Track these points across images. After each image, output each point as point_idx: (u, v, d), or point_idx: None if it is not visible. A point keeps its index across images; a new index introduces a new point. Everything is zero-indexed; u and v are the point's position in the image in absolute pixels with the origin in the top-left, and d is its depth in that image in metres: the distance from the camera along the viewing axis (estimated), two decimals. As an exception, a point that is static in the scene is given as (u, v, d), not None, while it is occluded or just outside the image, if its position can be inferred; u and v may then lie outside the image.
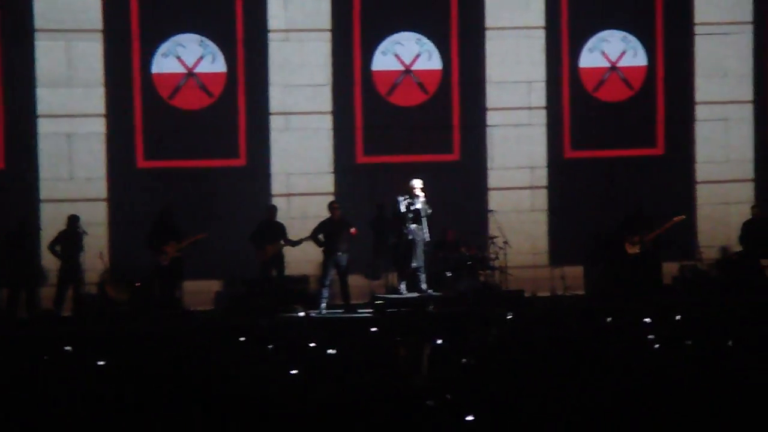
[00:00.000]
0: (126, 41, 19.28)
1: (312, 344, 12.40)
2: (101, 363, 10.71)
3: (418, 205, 18.07)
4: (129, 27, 19.27)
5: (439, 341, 11.95)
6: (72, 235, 18.40)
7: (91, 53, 19.13)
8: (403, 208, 18.07)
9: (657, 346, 11.39)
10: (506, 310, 16.32)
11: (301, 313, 18.02)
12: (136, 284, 18.52)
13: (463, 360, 9.22)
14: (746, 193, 20.57)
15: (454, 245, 19.18)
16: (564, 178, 20.29)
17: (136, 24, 19.30)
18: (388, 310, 17.86)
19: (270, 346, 12.45)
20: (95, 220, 19.00)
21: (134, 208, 19.15)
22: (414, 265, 18.14)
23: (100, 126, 19.26)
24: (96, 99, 19.21)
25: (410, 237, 18.07)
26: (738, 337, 11.68)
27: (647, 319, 13.91)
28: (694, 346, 11.43)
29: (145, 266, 18.54)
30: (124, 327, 16.94)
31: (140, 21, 19.29)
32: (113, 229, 19.23)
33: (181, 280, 18.80)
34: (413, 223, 18.05)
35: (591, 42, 20.39)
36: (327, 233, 18.54)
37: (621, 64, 20.46)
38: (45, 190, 19.14)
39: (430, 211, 18.08)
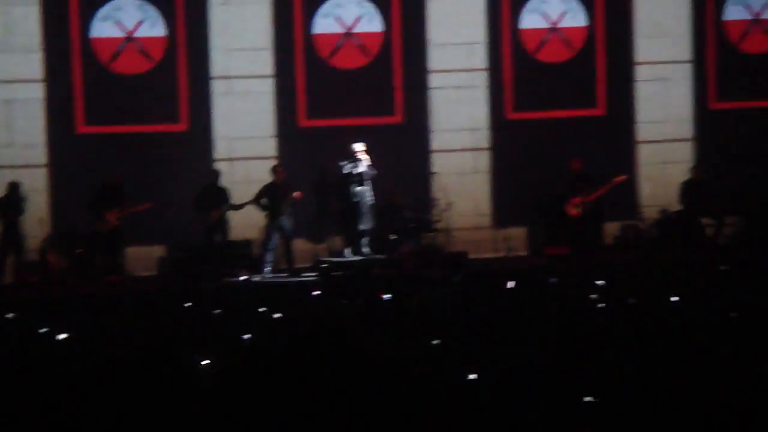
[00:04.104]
0: (64, 5, 19.05)
1: (261, 309, 12.39)
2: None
3: (362, 168, 18.11)
4: (67, -9, 19.06)
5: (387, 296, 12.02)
6: (12, 201, 18.25)
7: (29, 18, 18.89)
8: (347, 171, 18.10)
9: (600, 305, 11.50)
10: (451, 271, 16.38)
11: (245, 278, 17.99)
12: (78, 251, 18.41)
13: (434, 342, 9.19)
14: (685, 152, 20.76)
15: (398, 208, 19.22)
16: (506, 140, 20.37)
17: (73, -12, 19.08)
18: (333, 274, 17.89)
19: (216, 311, 12.44)
20: (35, 186, 18.83)
21: (75, 174, 18.99)
22: (360, 227, 18.18)
23: (38, 91, 19.06)
24: (34, 64, 19.00)
25: (356, 200, 18.11)
26: (680, 294, 11.81)
27: (598, 282, 14.03)
28: (637, 304, 11.55)
29: (87, 233, 18.44)
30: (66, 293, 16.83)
31: (78, -15, 19.07)
32: (54, 196, 19.07)
33: (123, 246, 18.71)
34: (358, 186, 18.09)
35: (531, 3, 20.42)
36: (270, 197, 18.52)
37: (561, 24, 20.52)
38: (-17, 157, 18.94)
39: (374, 173, 18.12)
